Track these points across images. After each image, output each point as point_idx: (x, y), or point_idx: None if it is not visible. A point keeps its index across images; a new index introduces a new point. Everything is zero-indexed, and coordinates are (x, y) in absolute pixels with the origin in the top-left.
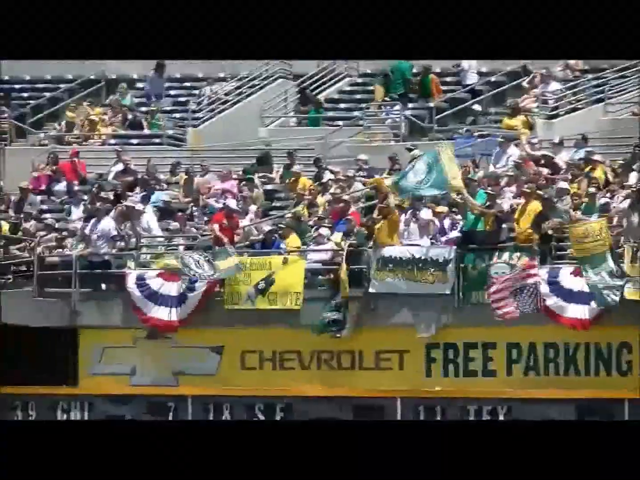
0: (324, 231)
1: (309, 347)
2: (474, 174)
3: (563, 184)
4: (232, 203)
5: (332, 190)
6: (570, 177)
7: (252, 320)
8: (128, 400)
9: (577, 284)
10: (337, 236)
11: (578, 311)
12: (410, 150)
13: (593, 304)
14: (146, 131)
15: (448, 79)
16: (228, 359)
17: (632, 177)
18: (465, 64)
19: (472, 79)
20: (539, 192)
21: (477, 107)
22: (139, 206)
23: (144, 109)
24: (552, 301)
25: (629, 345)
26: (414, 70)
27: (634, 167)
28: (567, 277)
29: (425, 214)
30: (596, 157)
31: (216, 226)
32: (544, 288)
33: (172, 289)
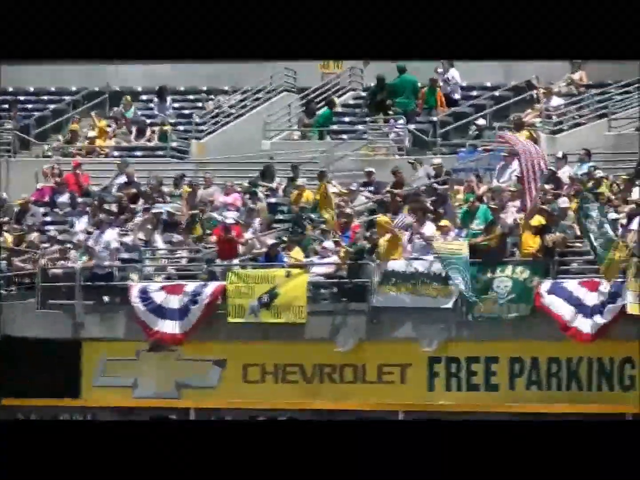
0: (328, 244)
1: (312, 360)
2: (470, 194)
3: (564, 203)
4: (230, 216)
5: (335, 203)
6: (573, 192)
7: (255, 333)
8: (130, 412)
9: (580, 293)
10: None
11: (580, 323)
12: (412, 164)
13: (597, 317)
14: (150, 143)
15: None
16: (230, 372)
17: (635, 192)
18: (449, 74)
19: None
20: (542, 206)
21: (481, 122)
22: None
23: (149, 121)
24: (553, 301)
25: (632, 360)
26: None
27: (637, 182)
28: (575, 287)
29: (429, 229)
30: (599, 173)
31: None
32: (546, 292)
33: (175, 301)
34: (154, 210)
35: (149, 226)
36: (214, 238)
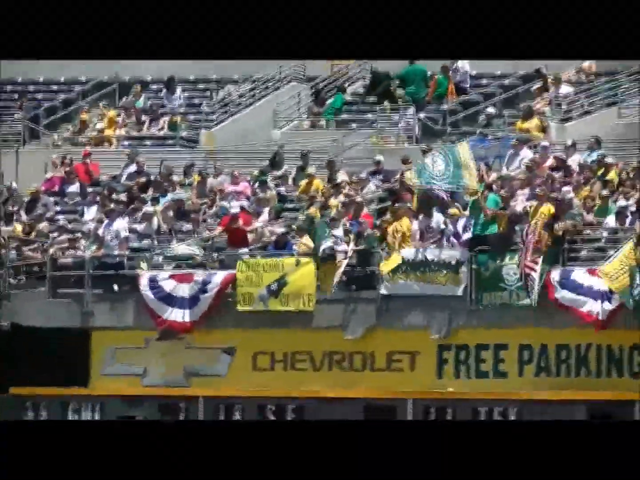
0: (337, 233)
1: (321, 348)
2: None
3: (568, 194)
4: (236, 205)
5: (345, 192)
6: (583, 180)
7: (264, 321)
8: (139, 401)
9: (592, 282)
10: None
11: (595, 307)
12: (424, 152)
13: (607, 303)
14: (159, 132)
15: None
16: (239, 360)
17: None
18: (459, 63)
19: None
20: (551, 194)
21: (491, 110)
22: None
23: (160, 111)
24: (567, 295)
25: None
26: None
27: None
28: (581, 276)
29: (437, 218)
30: (609, 160)
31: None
32: (559, 286)
33: (185, 290)
34: (174, 197)
35: (170, 213)
36: (218, 229)
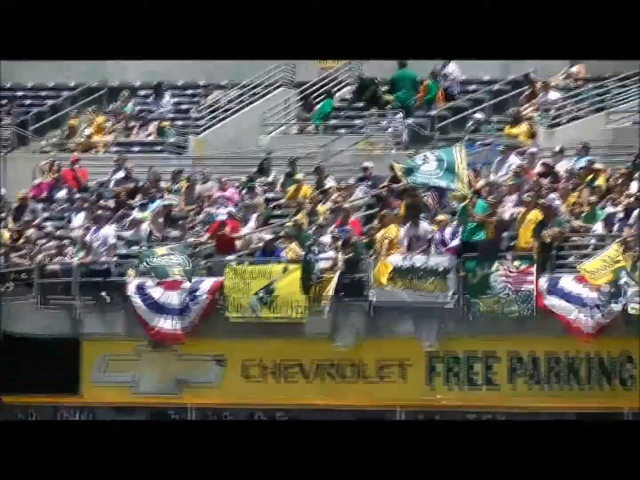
0: (325, 239)
1: (311, 358)
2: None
3: (555, 201)
4: (223, 212)
5: (333, 198)
6: (571, 186)
7: (254, 331)
8: (130, 409)
9: (581, 290)
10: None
11: (581, 316)
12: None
13: (598, 316)
14: (148, 138)
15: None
16: (230, 369)
17: (634, 186)
18: (449, 69)
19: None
20: (539, 200)
21: (479, 116)
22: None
23: (149, 117)
24: (555, 302)
25: (631, 357)
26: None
27: (636, 175)
28: (569, 284)
29: (424, 227)
30: (598, 166)
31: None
32: (546, 292)
33: (173, 297)
34: (164, 203)
35: (160, 220)
36: (205, 236)
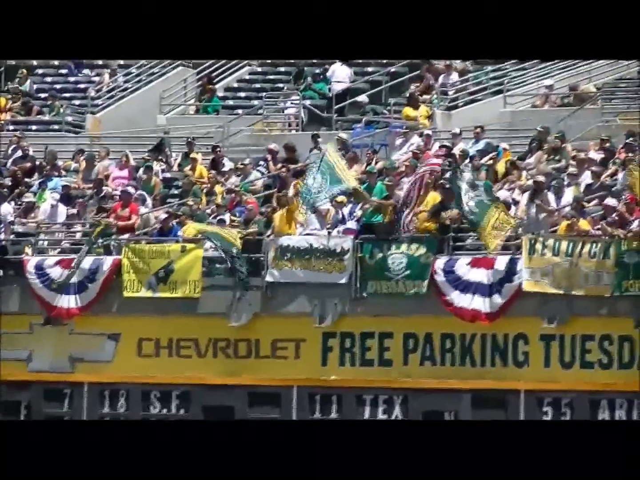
0: (224, 219)
1: (206, 335)
2: (373, 166)
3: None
4: (124, 191)
5: (231, 180)
6: (472, 168)
7: (149, 308)
8: (25, 386)
9: (476, 275)
10: None
11: (478, 303)
12: (315, 136)
13: (497, 296)
14: (45, 117)
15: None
16: (124, 346)
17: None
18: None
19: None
20: (440, 182)
21: (362, 99)
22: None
23: (43, 95)
24: (450, 293)
25: (526, 337)
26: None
27: (530, 160)
28: (465, 268)
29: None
30: (504, 146)
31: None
32: (441, 280)
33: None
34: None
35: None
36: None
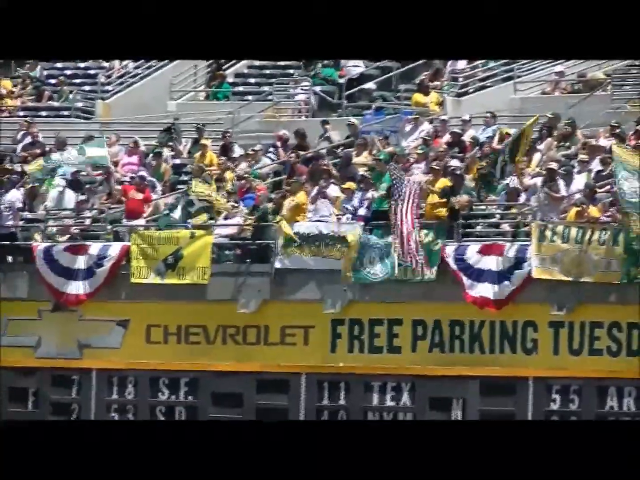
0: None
1: (215, 321)
2: (381, 153)
3: (458, 170)
4: (142, 175)
5: (241, 166)
6: (479, 154)
7: (158, 294)
8: (33, 372)
9: (486, 263)
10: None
11: (487, 290)
12: (324, 123)
13: (507, 283)
14: (55, 103)
15: None
16: (133, 332)
17: (537, 157)
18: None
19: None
20: (448, 167)
21: (370, 86)
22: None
23: (53, 81)
24: (462, 280)
25: (534, 324)
26: None
27: (540, 147)
28: (475, 255)
29: (333, 190)
30: (511, 131)
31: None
32: (452, 265)
33: (80, 263)
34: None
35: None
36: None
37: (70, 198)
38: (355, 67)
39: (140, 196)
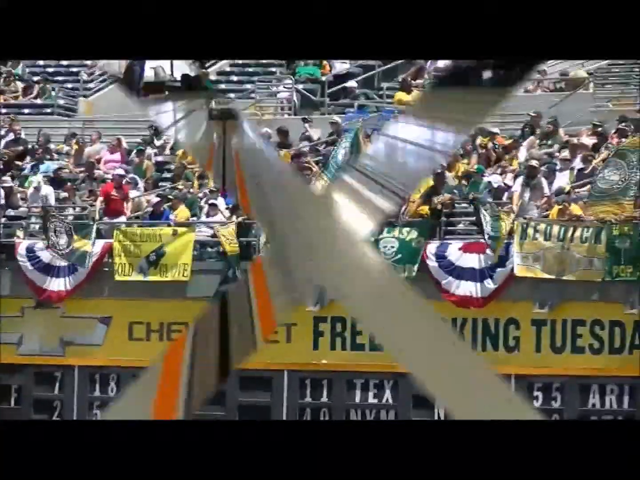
0: (215, 203)
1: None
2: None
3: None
4: (121, 173)
5: None
6: (461, 151)
7: (140, 291)
8: (15, 369)
9: (468, 261)
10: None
11: (469, 289)
12: (305, 120)
13: (488, 282)
14: (37, 101)
15: None
16: (115, 329)
17: (522, 154)
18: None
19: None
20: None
21: (351, 84)
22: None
23: (36, 78)
24: (443, 279)
25: (517, 321)
26: None
27: (524, 143)
28: (457, 253)
29: (315, 187)
30: (494, 130)
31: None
32: (434, 265)
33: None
34: (54, 166)
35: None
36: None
37: (50, 195)
38: (342, 63)
39: (118, 194)
